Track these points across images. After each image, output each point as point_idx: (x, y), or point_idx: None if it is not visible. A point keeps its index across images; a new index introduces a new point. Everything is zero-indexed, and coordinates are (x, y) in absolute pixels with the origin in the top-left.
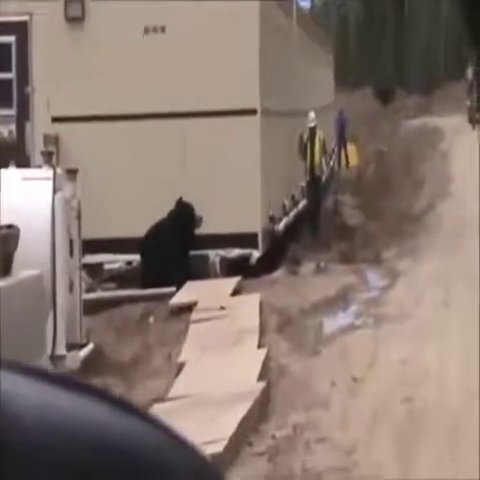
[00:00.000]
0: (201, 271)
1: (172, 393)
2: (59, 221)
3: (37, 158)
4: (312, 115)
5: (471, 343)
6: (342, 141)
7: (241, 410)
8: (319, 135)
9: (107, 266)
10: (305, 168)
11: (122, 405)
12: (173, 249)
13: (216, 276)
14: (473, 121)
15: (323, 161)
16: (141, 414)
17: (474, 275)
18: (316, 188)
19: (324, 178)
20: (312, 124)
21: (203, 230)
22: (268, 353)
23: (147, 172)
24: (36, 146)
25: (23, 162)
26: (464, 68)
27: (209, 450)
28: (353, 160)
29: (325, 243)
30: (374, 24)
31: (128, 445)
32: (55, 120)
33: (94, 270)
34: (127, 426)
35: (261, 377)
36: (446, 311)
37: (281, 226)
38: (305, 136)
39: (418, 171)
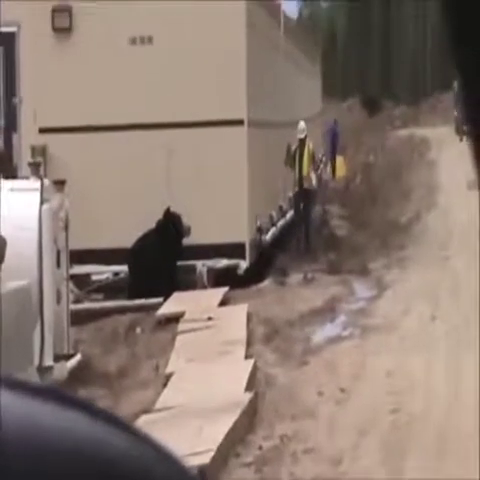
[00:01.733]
0: (188, 282)
1: (159, 404)
2: (46, 232)
3: (24, 169)
4: (302, 125)
5: (457, 354)
6: (333, 152)
7: (228, 421)
8: (308, 146)
9: (94, 277)
10: (294, 179)
11: (105, 417)
12: (160, 260)
13: (203, 287)
14: (460, 132)
15: (313, 173)
16: (125, 426)
17: (460, 287)
18: (304, 199)
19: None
20: (302, 135)
21: (190, 241)
22: (255, 364)
23: (135, 183)
24: (23, 157)
25: (10, 173)
26: (451, 78)
27: (196, 461)
28: (340, 171)
29: (312, 253)
30: (361, 35)
31: (107, 456)
32: (43, 131)
33: (81, 281)
34: (109, 437)
35: (248, 388)
36: (432, 323)
37: (268, 237)
38: (293, 147)
39: (405, 181)
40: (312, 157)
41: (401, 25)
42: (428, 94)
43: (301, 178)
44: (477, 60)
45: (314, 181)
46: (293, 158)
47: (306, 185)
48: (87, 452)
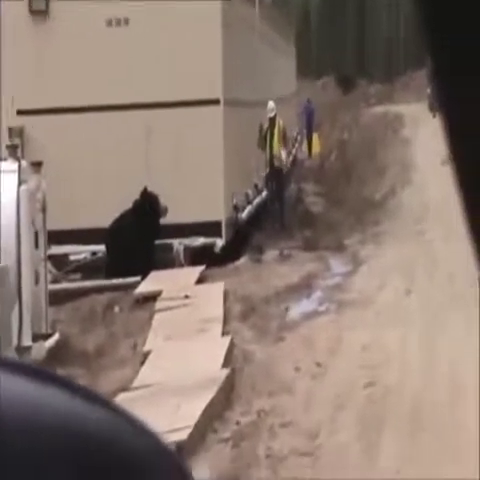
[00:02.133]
0: (165, 260)
1: (137, 382)
2: (24, 213)
3: (2, 151)
4: (271, 105)
5: (432, 328)
6: (310, 131)
7: (205, 398)
8: (279, 125)
9: (72, 257)
10: (265, 159)
11: (84, 393)
12: (137, 239)
13: (180, 265)
14: (433, 109)
15: (283, 151)
16: (103, 402)
17: (435, 261)
18: (276, 178)
19: (286, 167)
20: (271, 114)
21: (167, 220)
22: (232, 341)
23: (112, 163)
24: (1, 139)
25: None
26: (424, 56)
27: (174, 438)
28: (315, 148)
29: (288, 231)
30: (335, 14)
31: (88, 431)
32: (20, 113)
33: (59, 261)
34: (88, 413)
35: (225, 364)
36: (408, 297)
37: (244, 215)
38: (265, 126)
39: (380, 158)
40: (283, 135)
41: (375, 3)
42: (401, 72)
43: (272, 158)
44: (451, 47)
45: (285, 159)
46: (264, 138)
47: (277, 164)
48: (71, 427)
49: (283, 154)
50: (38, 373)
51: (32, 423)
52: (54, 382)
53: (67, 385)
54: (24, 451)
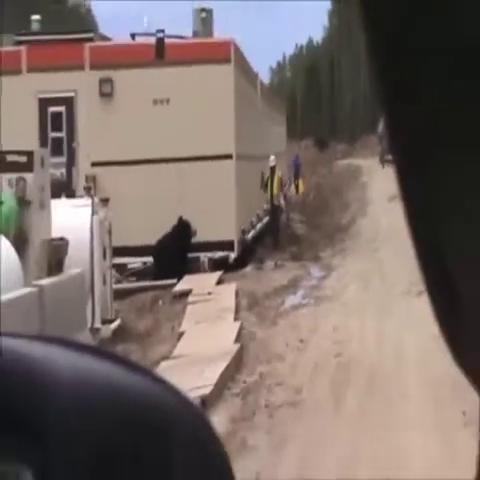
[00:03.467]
0: (194, 268)
1: (174, 354)
2: (95, 235)
3: (80, 191)
4: (273, 158)
5: (382, 315)
6: (297, 176)
7: (222, 364)
8: (277, 173)
9: (130, 265)
10: (267, 197)
11: (130, 364)
12: (175, 253)
13: (205, 271)
14: (382, 162)
15: (281, 193)
16: (144, 370)
17: (383, 269)
18: (275, 211)
19: (281, 205)
20: (272, 164)
21: (196, 239)
22: (241, 324)
23: (157, 199)
24: (80, 183)
25: (70, 194)
26: (375, 125)
27: (200, 392)
28: (300, 189)
29: (281, 247)
30: (314, 94)
31: (134, 391)
32: (93, 164)
33: (120, 268)
34: (133, 379)
35: (236, 341)
36: (365, 293)
37: (249, 236)
38: (266, 174)
39: (345, 197)
40: (280, 182)
41: (342, 86)
42: (360, 136)
43: (272, 197)
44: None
45: (282, 200)
46: (266, 184)
47: (275, 202)
48: (118, 389)
49: (281, 195)
50: (94, 350)
51: (87, 386)
52: (109, 357)
53: (116, 358)
54: (81, 409)
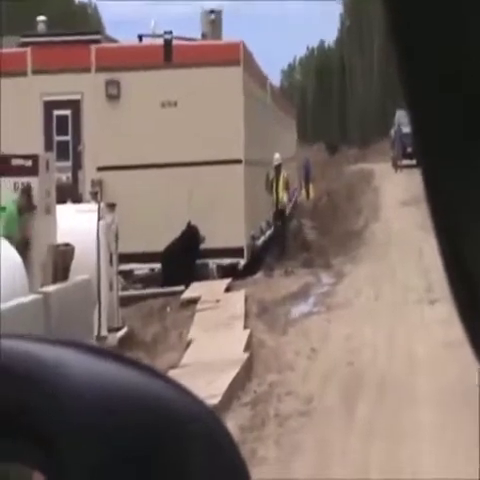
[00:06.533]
0: (203, 274)
1: (182, 362)
2: (102, 240)
3: (87, 196)
4: (277, 155)
5: (393, 323)
6: (307, 181)
7: (231, 373)
8: (283, 173)
9: (136, 272)
10: (272, 201)
11: (148, 369)
12: (183, 259)
13: (214, 278)
14: (395, 166)
15: (286, 195)
16: (162, 376)
17: (395, 276)
18: (281, 216)
19: (288, 209)
20: (277, 163)
21: (204, 245)
22: (251, 332)
23: (165, 204)
24: (86, 188)
25: (77, 199)
26: (388, 129)
27: (209, 402)
28: (311, 194)
29: (291, 254)
30: (324, 97)
31: (152, 394)
32: (99, 169)
33: (127, 275)
34: (152, 383)
35: (246, 349)
36: (376, 301)
37: (259, 242)
38: (271, 175)
39: (357, 202)
40: (286, 183)
41: (353, 90)
42: (372, 140)
43: (278, 201)
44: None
45: (286, 202)
46: (271, 184)
47: (280, 206)
48: (138, 393)
49: (285, 198)
50: (108, 353)
51: (100, 389)
52: (121, 361)
53: (129, 361)
54: (95, 412)
